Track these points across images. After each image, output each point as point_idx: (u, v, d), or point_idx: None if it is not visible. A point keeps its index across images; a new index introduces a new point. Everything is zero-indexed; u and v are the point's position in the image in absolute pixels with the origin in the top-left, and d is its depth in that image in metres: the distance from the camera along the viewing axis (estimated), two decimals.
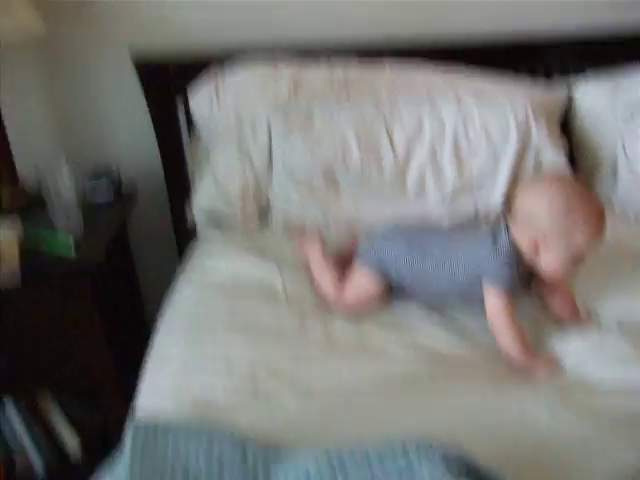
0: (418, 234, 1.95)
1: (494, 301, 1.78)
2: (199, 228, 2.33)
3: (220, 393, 1.55)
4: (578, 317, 1.87)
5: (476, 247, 1.84)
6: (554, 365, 1.69)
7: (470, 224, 2.18)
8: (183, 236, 2.46)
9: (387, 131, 2.23)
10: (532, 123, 2.26)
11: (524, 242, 1.76)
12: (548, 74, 2.55)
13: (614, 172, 2.40)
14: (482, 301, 1.80)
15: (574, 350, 1.72)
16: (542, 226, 1.73)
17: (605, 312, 1.88)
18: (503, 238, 1.80)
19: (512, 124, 2.24)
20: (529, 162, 2.25)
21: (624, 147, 2.38)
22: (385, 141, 2.22)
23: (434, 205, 2.23)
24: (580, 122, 2.48)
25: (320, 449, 1.27)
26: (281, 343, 1.72)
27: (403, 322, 1.85)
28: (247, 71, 2.36)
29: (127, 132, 2.71)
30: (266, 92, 2.30)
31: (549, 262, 1.76)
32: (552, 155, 2.26)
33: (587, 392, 1.57)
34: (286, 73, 2.34)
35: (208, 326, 1.80)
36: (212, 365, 1.65)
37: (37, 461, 2.49)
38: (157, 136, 2.55)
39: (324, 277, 1.98)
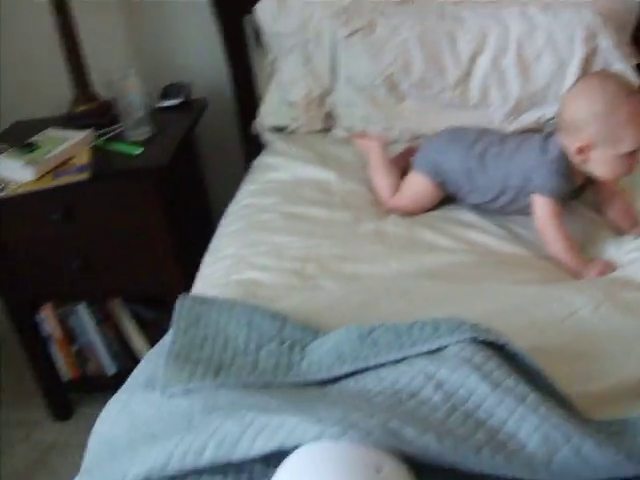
0: (476, 141, 1.93)
1: (543, 210, 1.77)
2: (265, 136, 2.39)
3: (268, 280, 1.61)
4: (637, 227, 1.82)
5: (527, 157, 1.82)
6: (607, 269, 1.68)
7: (528, 134, 2.15)
8: (250, 145, 2.51)
9: (451, 40, 2.21)
10: (600, 32, 2.20)
11: (572, 149, 1.73)
12: None
13: None
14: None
15: (628, 256, 1.71)
16: (587, 130, 1.68)
17: None
18: (552, 147, 1.78)
19: (579, 33, 2.18)
20: None
21: None
22: (448, 50, 2.21)
23: (497, 115, 2.22)
24: None
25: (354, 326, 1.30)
26: (332, 236, 1.77)
27: (454, 222, 1.87)
28: None
29: (198, 48, 2.75)
30: None
31: (599, 167, 1.73)
32: (620, 66, 2.20)
33: (634, 289, 1.55)
34: None
35: (264, 224, 1.86)
36: (264, 258, 1.70)
37: (107, 362, 2.60)
38: (226, 50, 2.59)
39: (381, 179, 2.01)
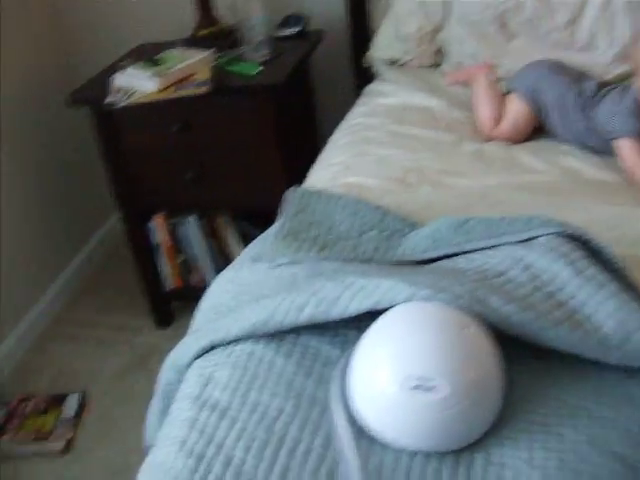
0: (575, 81, 2.00)
1: (624, 149, 1.84)
2: (378, 68, 2.50)
3: (372, 183, 1.73)
4: None
5: (609, 105, 1.89)
6: None
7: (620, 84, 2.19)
8: (361, 78, 2.62)
9: None
10: None
11: None
12: None
13: None
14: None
15: None
16: None
17: None
18: (629, 93, 1.86)
19: None
20: None
21: None
22: None
23: (603, 59, 2.26)
24: None
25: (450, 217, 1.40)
26: (435, 153, 1.88)
27: (552, 150, 1.95)
28: None
29: None
30: None
31: None
32: None
33: None
34: None
35: (372, 139, 1.98)
36: (369, 166, 1.83)
37: (210, 275, 2.75)
38: None
39: (484, 108, 2.09)
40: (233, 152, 2.45)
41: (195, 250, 2.76)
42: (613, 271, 1.25)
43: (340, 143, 2.01)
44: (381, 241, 1.44)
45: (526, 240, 1.28)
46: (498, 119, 2.04)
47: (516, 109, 2.02)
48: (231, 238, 2.73)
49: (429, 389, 1.01)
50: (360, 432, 1.06)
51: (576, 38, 2.28)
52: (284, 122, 2.46)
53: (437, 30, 2.41)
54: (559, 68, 2.07)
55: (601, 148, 1.93)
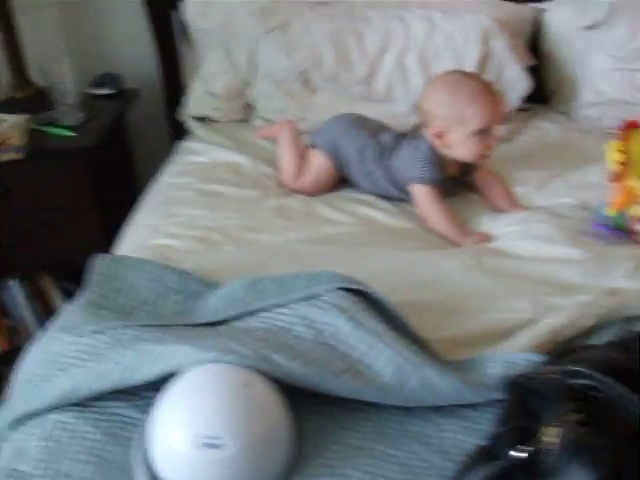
0: (374, 133, 2.13)
1: (419, 193, 1.98)
2: (189, 125, 2.57)
3: (178, 245, 1.80)
4: (516, 206, 2.04)
5: (405, 153, 2.04)
6: (483, 240, 1.88)
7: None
8: (178, 133, 2.68)
9: (358, 38, 2.43)
10: (495, 36, 2.43)
11: (433, 139, 1.97)
12: None
13: (577, 89, 2.57)
14: None
15: (502, 229, 1.92)
16: (438, 117, 1.94)
17: (540, 201, 2.05)
18: (422, 142, 2.01)
19: (475, 36, 2.41)
20: (491, 73, 2.41)
21: (586, 65, 2.54)
22: (356, 47, 2.42)
23: (401, 109, 2.43)
24: (548, 41, 2.64)
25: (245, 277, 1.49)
26: (238, 210, 1.96)
27: (351, 200, 2.07)
28: None
29: (129, 42, 2.94)
30: None
31: (459, 149, 1.97)
32: (513, 68, 2.44)
33: (503, 258, 1.75)
34: None
35: (179, 199, 2.05)
36: (176, 227, 1.89)
37: (37, 333, 2.72)
38: (155, 43, 2.76)
39: (287, 161, 2.18)
40: (52, 214, 2.46)
41: (20, 313, 2.74)
42: (393, 319, 1.37)
43: (150, 205, 2.06)
44: (181, 304, 1.51)
45: (313, 297, 1.38)
46: (299, 173, 2.14)
47: (318, 163, 2.12)
48: (57, 299, 2.73)
49: (217, 446, 1.09)
50: None
51: (375, 91, 2.44)
52: (100, 183, 2.49)
53: (245, 86, 2.52)
54: (359, 122, 2.18)
55: (400, 196, 2.06)
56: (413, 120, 2.39)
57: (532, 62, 2.53)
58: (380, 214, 1.98)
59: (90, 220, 2.48)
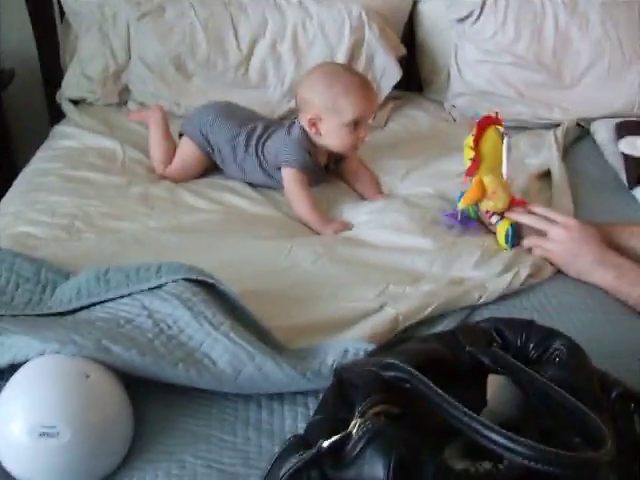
0: (244, 122, 2.15)
1: (288, 177, 2.03)
2: (65, 108, 2.56)
3: (40, 232, 1.80)
4: (379, 194, 2.11)
5: (277, 138, 2.08)
6: (343, 228, 1.94)
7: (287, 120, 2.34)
8: (57, 115, 2.67)
9: (233, 26, 2.47)
10: (366, 25, 2.50)
11: (307, 126, 2.01)
12: None
13: (449, 80, 2.66)
14: None
15: (361, 217, 1.98)
16: (313, 105, 1.98)
17: (402, 190, 2.13)
18: (295, 127, 2.05)
19: (346, 24, 2.48)
20: (362, 61, 2.50)
21: (457, 56, 2.63)
22: (231, 34, 2.46)
23: (275, 95, 2.48)
24: (422, 31, 2.73)
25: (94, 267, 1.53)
26: (102, 197, 1.97)
27: (217, 187, 2.10)
28: None
29: (7, 20, 2.91)
30: None
31: (330, 138, 2.01)
32: (384, 56, 2.52)
33: (357, 247, 1.81)
34: None
35: (44, 185, 2.05)
36: (38, 214, 1.88)
37: None
38: (33, 25, 2.75)
39: (157, 147, 2.21)
40: None
41: None
42: (236, 309, 1.42)
43: (16, 191, 2.05)
44: (35, 293, 1.53)
45: (156, 287, 1.43)
46: (168, 160, 2.16)
47: (185, 150, 2.15)
48: None
49: (53, 435, 1.13)
50: (7, 477, 1.16)
51: (249, 77, 2.48)
52: None
53: (121, 70, 2.53)
54: (228, 110, 2.20)
55: (269, 184, 2.11)
56: (286, 107, 2.45)
57: (403, 52, 2.61)
58: (245, 201, 2.02)
59: None
